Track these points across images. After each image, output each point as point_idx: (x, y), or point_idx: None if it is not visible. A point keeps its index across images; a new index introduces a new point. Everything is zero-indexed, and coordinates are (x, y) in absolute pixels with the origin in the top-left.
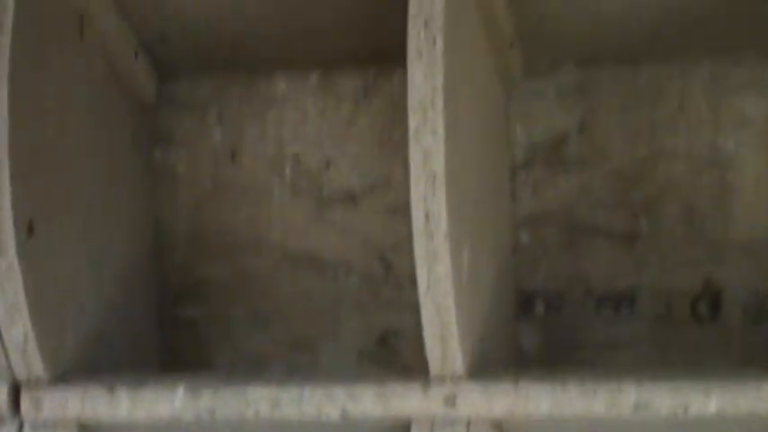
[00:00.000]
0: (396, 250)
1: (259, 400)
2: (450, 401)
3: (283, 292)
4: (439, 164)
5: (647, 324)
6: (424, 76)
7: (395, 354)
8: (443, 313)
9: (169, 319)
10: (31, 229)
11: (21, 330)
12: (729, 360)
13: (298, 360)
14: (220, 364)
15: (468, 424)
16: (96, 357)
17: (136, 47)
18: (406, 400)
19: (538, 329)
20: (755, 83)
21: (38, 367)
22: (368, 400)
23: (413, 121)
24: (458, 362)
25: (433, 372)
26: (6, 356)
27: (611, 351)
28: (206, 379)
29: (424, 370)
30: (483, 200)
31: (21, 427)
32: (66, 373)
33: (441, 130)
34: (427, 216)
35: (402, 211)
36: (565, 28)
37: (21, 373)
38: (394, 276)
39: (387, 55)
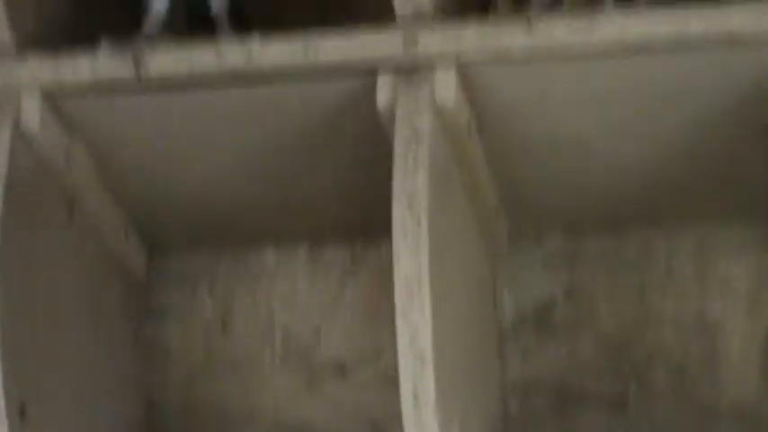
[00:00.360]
0: (387, 421)
1: None
2: None
3: None
4: (426, 340)
5: None
6: (410, 255)
7: None
8: None
9: None
10: (23, 412)
11: None
12: None
13: None
14: None
15: None
16: None
17: (125, 224)
18: None
19: None
20: (742, 246)
21: None
22: None
23: (399, 298)
24: None
25: None
26: None
27: None
28: None
29: None
30: (472, 370)
31: None
32: None
33: (428, 308)
34: (416, 392)
35: (393, 381)
36: (549, 196)
37: None
38: None
39: (374, 226)
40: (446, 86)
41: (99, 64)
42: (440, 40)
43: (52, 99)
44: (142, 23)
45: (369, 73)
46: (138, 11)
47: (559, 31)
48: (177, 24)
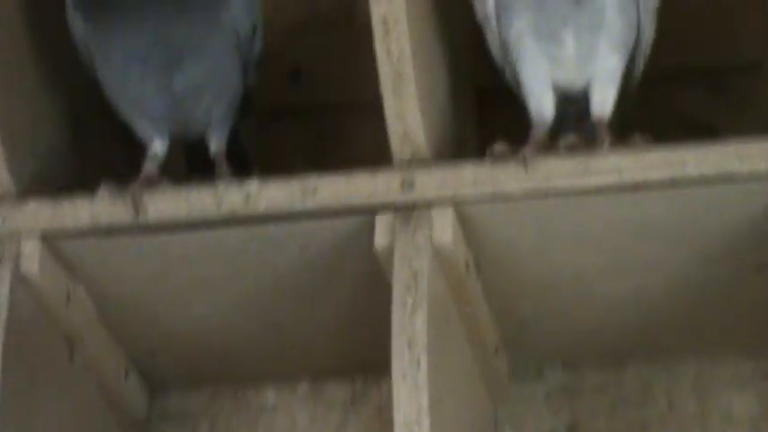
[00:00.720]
0: None
1: None
2: None
3: None
4: None
5: None
6: (409, 397)
7: None
8: None
9: None
10: None
11: None
12: None
13: None
14: None
15: None
16: None
17: (126, 365)
18: None
19: None
20: (741, 380)
21: None
22: None
23: None
24: None
25: None
26: None
27: None
28: None
29: None
30: None
31: None
32: None
33: None
34: None
35: None
36: (549, 332)
37: None
38: None
39: (375, 363)
40: (444, 227)
41: (98, 208)
42: (436, 182)
43: (51, 243)
44: (141, 165)
45: (366, 213)
46: (136, 152)
47: (556, 172)
48: (176, 166)
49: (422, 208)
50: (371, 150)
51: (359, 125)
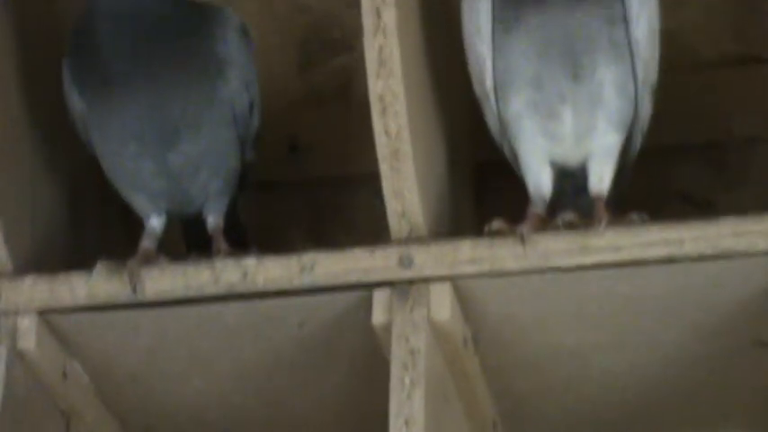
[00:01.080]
0: None
1: None
2: None
3: None
4: None
5: None
6: None
7: None
8: None
9: None
10: None
11: None
12: None
13: None
14: None
15: None
16: None
17: None
18: None
19: None
20: None
21: None
22: None
23: None
24: None
25: None
26: None
27: None
28: None
29: None
30: None
31: None
32: None
33: None
34: None
35: None
36: (547, 406)
37: None
38: None
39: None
40: (441, 303)
41: (95, 284)
42: (434, 259)
43: (48, 319)
44: (138, 241)
45: (364, 289)
46: (134, 229)
47: (553, 249)
48: (173, 242)
49: (420, 284)
50: (369, 223)
51: (356, 199)
